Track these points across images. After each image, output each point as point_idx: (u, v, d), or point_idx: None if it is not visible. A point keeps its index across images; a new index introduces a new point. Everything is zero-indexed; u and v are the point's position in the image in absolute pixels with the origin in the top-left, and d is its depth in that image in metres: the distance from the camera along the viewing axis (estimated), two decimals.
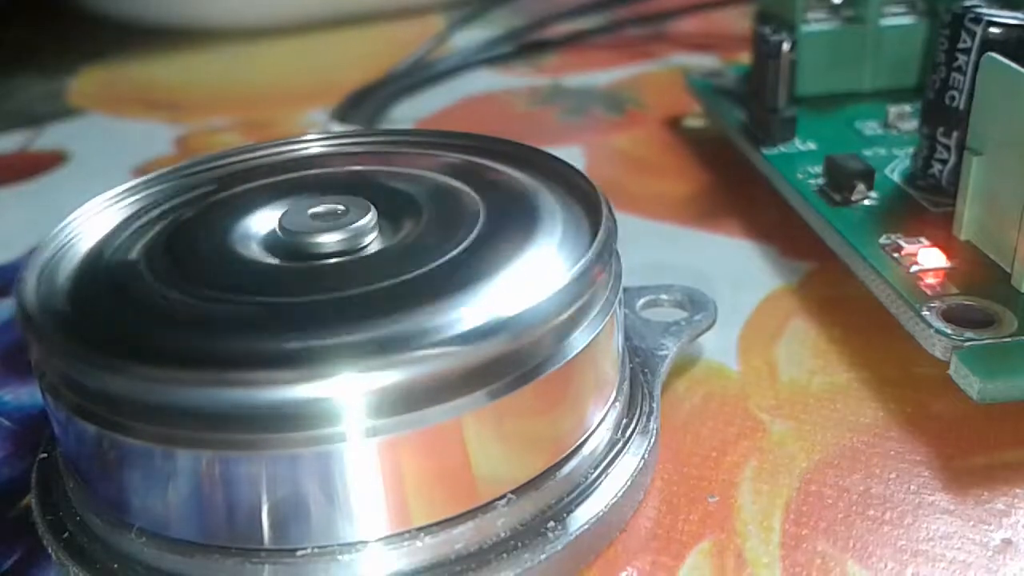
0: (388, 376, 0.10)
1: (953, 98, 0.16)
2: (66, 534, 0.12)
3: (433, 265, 0.12)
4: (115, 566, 0.11)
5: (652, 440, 0.13)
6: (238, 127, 0.27)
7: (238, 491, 0.10)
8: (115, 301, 0.12)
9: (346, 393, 0.10)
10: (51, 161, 0.25)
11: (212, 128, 0.27)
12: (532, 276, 0.12)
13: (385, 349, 0.10)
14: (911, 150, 0.18)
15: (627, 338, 0.14)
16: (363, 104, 0.27)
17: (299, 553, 0.11)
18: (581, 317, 0.12)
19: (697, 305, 0.15)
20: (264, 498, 0.10)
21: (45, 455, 0.13)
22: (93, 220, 0.14)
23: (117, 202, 0.14)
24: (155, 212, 0.14)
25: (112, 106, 0.29)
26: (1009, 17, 0.16)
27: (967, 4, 0.16)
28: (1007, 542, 0.12)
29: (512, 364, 0.11)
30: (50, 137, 0.27)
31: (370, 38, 0.34)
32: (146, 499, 0.11)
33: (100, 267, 0.12)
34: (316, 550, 0.11)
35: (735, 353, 0.15)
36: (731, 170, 0.21)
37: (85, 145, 0.26)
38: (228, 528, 0.11)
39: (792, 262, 0.18)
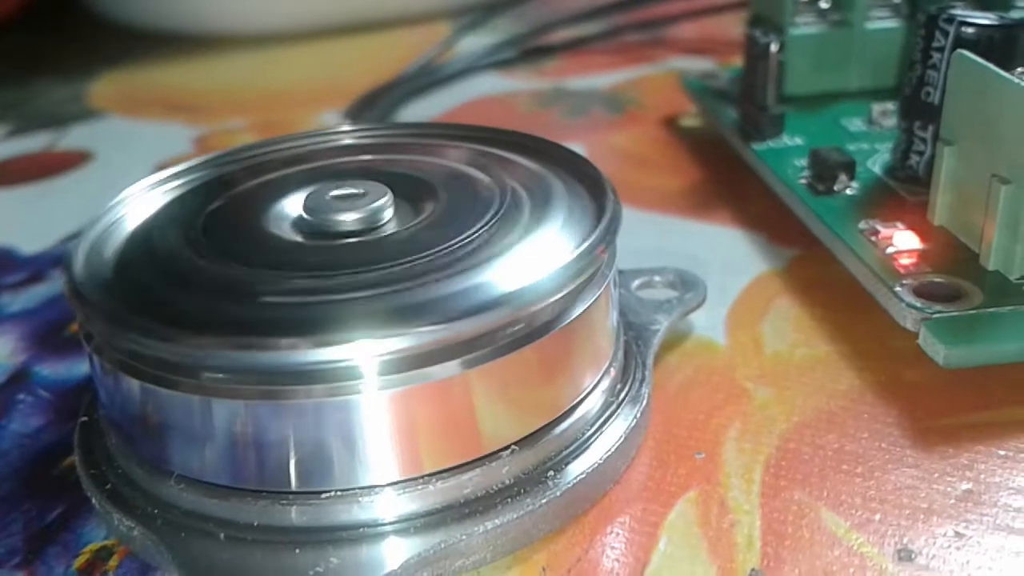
0: (399, 342, 0.11)
1: (928, 94, 0.18)
2: (108, 485, 0.13)
3: (448, 242, 0.13)
4: (155, 511, 0.12)
5: (644, 403, 0.14)
6: (254, 128, 0.28)
7: (269, 439, 0.12)
8: (159, 273, 0.13)
9: (363, 355, 0.11)
10: (76, 160, 0.26)
11: (229, 129, 0.28)
12: (538, 254, 0.13)
13: (397, 320, 0.11)
14: (892, 144, 0.19)
15: (622, 314, 0.15)
16: (374, 106, 0.28)
17: (323, 496, 0.12)
18: (578, 289, 0.13)
19: (688, 285, 0.16)
20: (292, 446, 0.12)
21: (86, 418, 0.14)
22: (138, 201, 0.15)
23: (160, 185, 0.15)
24: (193, 195, 0.15)
25: (132, 108, 0.30)
26: (981, 17, 0.17)
27: (942, 5, 0.18)
28: (969, 491, 0.13)
29: (513, 329, 0.12)
30: (73, 138, 0.28)
31: (380, 43, 0.35)
32: (185, 448, 0.12)
33: (145, 243, 0.14)
34: (339, 493, 0.12)
35: (723, 329, 0.17)
36: (724, 165, 0.23)
37: (107, 145, 0.27)
38: (259, 473, 0.12)
39: (779, 248, 0.19)
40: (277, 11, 0.36)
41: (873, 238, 0.16)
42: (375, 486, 0.12)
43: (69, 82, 0.33)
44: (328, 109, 0.29)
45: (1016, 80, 0.15)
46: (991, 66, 0.15)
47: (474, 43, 0.33)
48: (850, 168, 0.18)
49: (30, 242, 0.22)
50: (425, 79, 0.30)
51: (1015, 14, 0.20)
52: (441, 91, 0.30)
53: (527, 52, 0.32)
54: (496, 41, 0.33)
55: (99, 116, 0.30)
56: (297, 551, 0.12)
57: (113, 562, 0.13)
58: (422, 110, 0.28)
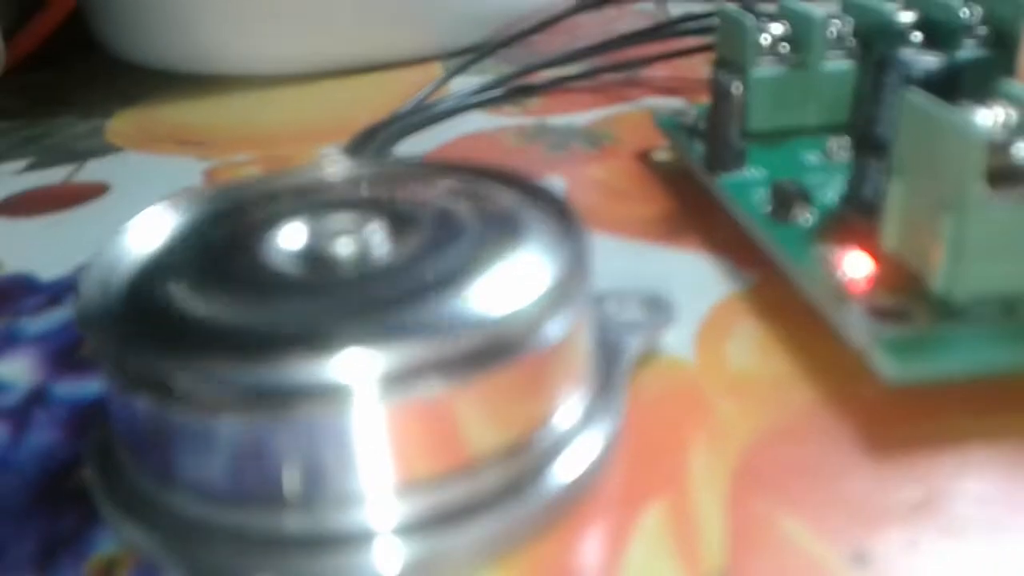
0: (393, 358, 0.11)
1: (879, 129, 0.18)
2: (118, 497, 0.13)
3: (435, 268, 0.13)
4: (163, 521, 0.12)
5: (617, 419, 0.14)
6: (260, 161, 0.28)
7: (267, 453, 0.11)
8: (164, 298, 0.13)
9: (359, 372, 0.11)
10: (93, 191, 0.26)
11: (237, 162, 0.28)
12: (520, 279, 0.13)
13: (390, 338, 0.11)
14: (847, 176, 0.19)
15: (595, 334, 0.15)
16: (372, 141, 0.28)
17: (318, 506, 0.12)
18: (552, 313, 0.13)
19: (659, 306, 0.16)
20: (288, 459, 0.11)
21: (98, 434, 0.14)
22: (146, 230, 0.15)
23: (167, 215, 0.15)
24: (198, 224, 0.15)
25: (146, 144, 0.30)
26: (927, 58, 0.17)
27: (892, 47, 0.18)
28: (925, 499, 0.13)
29: (492, 350, 0.12)
30: (91, 171, 0.28)
31: (377, 84, 0.35)
32: (189, 462, 0.12)
33: (152, 268, 0.14)
34: (333, 503, 0.12)
35: (692, 348, 0.17)
36: (692, 195, 0.23)
37: (123, 177, 0.27)
38: (259, 485, 0.12)
39: (743, 272, 0.19)
40: (282, 53, 0.36)
41: (827, 263, 0.16)
42: (367, 497, 0.12)
43: (88, 118, 0.33)
44: (328, 144, 0.29)
45: (956, 116, 0.15)
46: (935, 103, 0.15)
47: (464, 83, 0.33)
48: (807, 198, 0.18)
49: (48, 268, 0.22)
50: (419, 116, 0.30)
51: (960, 55, 0.21)
52: (434, 127, 0.30)
53: (513, 91, 0.32)
54: (485, 81, 0.33)
55: (116, 151, 0.30)
56: (296, 559, 0.11)
57: (123, 571, 0.13)
58: (417, 145, 0.28)
